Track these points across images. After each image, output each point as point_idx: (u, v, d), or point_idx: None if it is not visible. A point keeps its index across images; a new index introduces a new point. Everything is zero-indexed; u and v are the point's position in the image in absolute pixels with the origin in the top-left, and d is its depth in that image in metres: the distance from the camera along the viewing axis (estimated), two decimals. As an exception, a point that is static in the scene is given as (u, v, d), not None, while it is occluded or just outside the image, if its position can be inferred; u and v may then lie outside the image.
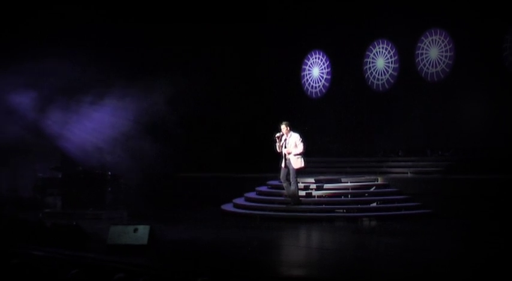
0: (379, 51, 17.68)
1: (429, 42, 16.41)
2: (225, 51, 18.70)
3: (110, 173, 13.77)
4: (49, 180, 14.41)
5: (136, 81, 14.26)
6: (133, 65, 15.55)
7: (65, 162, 14.74)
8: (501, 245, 9.26)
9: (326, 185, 13.43)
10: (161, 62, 16.45)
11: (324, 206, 12.95)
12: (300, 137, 12.50)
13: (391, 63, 17.34)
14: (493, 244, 9.41)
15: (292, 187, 12.51)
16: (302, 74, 19.62)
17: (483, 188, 12.40)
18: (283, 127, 12.54)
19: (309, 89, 19.43)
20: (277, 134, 12.55)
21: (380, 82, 17.59)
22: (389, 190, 13.50)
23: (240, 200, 14.09)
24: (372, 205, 12.96)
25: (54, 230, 9.76)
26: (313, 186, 13.38)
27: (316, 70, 19.23)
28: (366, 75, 17.94)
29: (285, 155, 12.48)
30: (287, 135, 12.52)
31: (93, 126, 14.29)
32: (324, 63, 19.07)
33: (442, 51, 16.09)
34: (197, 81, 17.12)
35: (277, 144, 12.51)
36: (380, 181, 13.80)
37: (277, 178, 13.14)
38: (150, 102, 14.32)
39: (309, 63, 19.47)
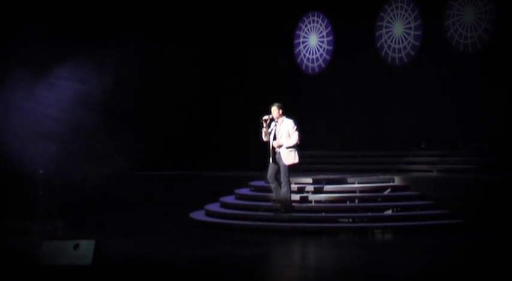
0: (397, 14, 17.68)
1: (463, 1, 16.42)
2: (199, 18, 18.65)
3: (41, 171, 13.68)
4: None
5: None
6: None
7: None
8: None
9: (327, 187, 13.47)
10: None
11: (323, 214, 12.95)
12: (295, 124, 12.43)
13: (412, 29, 17.35)
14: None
15: (283, 189, 12.47)
16: (295, 42, 19.59)
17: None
18: (274, 110, 12.45)
19: (305, 62, 19.42)
20: (265, 117, 12.47)
21: (397, 54, 17.60)
22: (408, 193, 13.58)
23: (214, 207, 14.13)
24: (386, 212, 12.99)
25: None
26: (311, 188, 13.40)
27: (313, 38, 19.22)
28: (379, 44, 17.97)
29: (273, 147, 12.42)
30: (278, 121, 12.44)
31: (22, 111, 14.27)
32: (323, 29, 19.05)
33: (481, 13, 16.09)
34: (169, 53, 17.16)
35: (264, 130, 12.43)
36: (397, 181, 13.85)
37: (263, 178, 13.10)
38: (105, 83, 14.45)
39: (304, 29, 19.43)
